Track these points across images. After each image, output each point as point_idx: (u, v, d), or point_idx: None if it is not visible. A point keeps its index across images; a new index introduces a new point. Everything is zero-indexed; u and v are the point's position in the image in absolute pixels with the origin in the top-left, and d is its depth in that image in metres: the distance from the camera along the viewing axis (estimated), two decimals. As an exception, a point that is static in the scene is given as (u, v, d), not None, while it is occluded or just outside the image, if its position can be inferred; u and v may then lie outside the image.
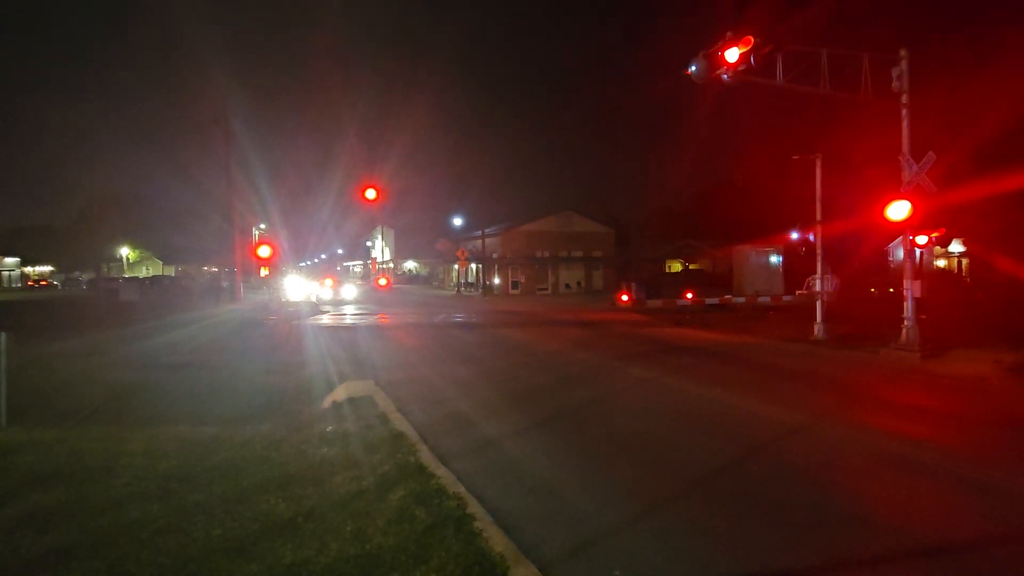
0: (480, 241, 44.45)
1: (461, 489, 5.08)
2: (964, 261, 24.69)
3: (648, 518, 4.78)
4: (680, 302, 20.97)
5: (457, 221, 47.88)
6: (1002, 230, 15.55)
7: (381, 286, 42.99)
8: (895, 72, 12.67)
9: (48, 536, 4.28)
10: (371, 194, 17.41)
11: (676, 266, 54.09)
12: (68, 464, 5.73)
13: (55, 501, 4.86)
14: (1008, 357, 11.32)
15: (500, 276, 45.29)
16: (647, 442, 6.84)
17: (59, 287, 62.54)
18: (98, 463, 5.75)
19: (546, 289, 44.81)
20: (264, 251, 17.97)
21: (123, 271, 71.74)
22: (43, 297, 44.59)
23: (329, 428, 7.10)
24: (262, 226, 43.55)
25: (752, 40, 11.24)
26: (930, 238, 13.57)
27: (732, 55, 11.35)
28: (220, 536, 4.26)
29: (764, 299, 20.29)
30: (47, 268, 71.57)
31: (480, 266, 46.51)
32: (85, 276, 64.80)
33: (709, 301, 20.57)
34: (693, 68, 11.76)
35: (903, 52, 12.66)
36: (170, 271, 72.51)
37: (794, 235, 16.66)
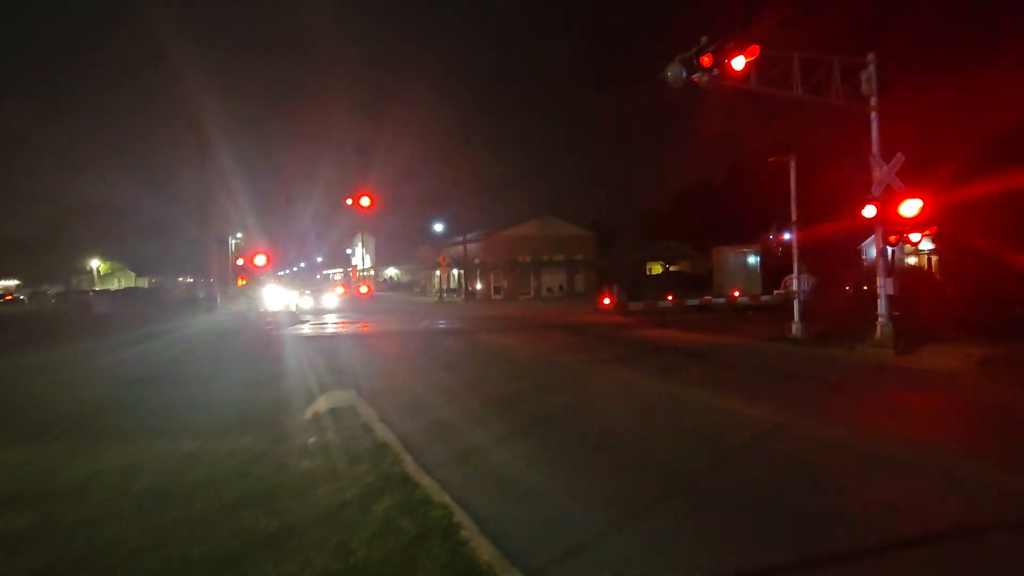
0: (461, 247, 44.33)
1: (446, 498, 5.03)
2: (934, 258, 25.34)
3: (635, 521, 4.78)
4: (662, 304, 21.15)
5: (438, 227, 47.71)
6: (979, 226, 15.91)
7: (362, 294, 42.56)
8: (864, 76, 13.00)
9: (19, 559, 4.13)
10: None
11: (657, 268, 54.62)
12: (38, 484, 5.55)
13: (25, 524, 4.69)
14: (977, 351, 11.64)
15: (482, 281, 45.24)
16: (631, 445, 6.87)
17: (25, 301, 60.64)
18: (70, 483, 5.58)
19: (528, 293, 44.85)
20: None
21: (93, 284, 69.94)
22: (10, 312, 43.30)
23: (311, 440, 6.98)
24: (239, 235, 42.92)
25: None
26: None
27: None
28: (200, 554, 4.15)
29: (743, 299, 20.58)
30: (12, 282, 69.40)
31: (462, 272, 46.39)
32: (53, 289, 63.02)
33: (690, 302, 20.79)
34: (669, 73, 11.89)
35: (871, 56, 13.00)
36: (143, 282, 70.91)
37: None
